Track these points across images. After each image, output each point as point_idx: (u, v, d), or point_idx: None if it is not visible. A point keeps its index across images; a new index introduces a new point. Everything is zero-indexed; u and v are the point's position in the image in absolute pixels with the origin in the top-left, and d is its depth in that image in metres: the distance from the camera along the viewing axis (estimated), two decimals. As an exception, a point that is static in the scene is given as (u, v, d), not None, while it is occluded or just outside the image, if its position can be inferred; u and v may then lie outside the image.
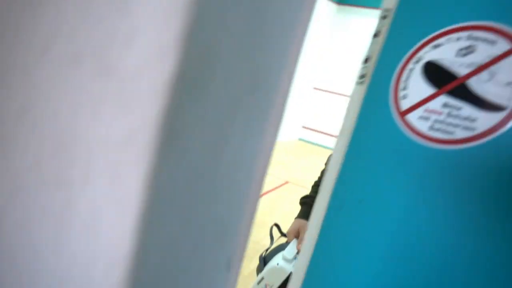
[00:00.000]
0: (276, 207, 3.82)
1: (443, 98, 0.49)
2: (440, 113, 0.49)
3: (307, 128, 9.45)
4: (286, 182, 4.89)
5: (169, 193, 0.33)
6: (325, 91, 9.20)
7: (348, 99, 0.59)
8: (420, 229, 0.49)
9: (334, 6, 8.68)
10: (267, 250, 0.91)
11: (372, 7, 8.29)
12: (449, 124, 0.48)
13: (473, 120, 0.47)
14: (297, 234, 0.91)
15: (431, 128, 0.49)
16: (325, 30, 8.50)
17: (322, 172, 1.01)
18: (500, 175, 0.46)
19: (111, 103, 0.33)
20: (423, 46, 0.51)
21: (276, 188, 4.51)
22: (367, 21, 8.26)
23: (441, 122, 0.49)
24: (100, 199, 0.35)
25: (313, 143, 9.31)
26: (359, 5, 8.63)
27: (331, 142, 8.92)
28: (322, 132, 9.26)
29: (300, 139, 9.44)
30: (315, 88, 9.26)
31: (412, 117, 0.51)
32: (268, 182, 4.46)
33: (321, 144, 9.17)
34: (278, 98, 0.43)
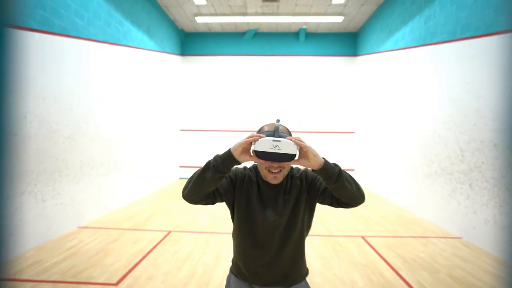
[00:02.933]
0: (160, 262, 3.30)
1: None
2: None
3: (185, 166, 9.70)
4: (169, 232, 4.36)
5: None
6: (190, 130, 9.69)
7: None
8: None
9: (178, 58, 9.44)
10: None
11: (211, 55, 9.66)
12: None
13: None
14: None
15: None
16: (174, 78, 9.14)
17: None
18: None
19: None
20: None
21: (159, 242, 3.93)
22: (208, 66, 9.67)
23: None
24: None
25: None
26: (200, 54, 9.71)
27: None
28: (198, 167, 9.67)
29: (180, 178, 9.63)
30: (181, 130, 9.69)
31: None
32: (151, 239, 4.06)
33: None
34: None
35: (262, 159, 1.12)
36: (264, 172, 1.24)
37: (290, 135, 1.22)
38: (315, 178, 1.29)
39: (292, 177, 1.30)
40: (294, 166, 1.29)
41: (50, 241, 3.88)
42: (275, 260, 1.27)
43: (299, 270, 1.32)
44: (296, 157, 1.09)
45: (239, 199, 1.29)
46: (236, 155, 1.10)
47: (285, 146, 1.07)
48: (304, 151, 1.08)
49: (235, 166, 1.23)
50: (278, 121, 1.20)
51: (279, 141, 1.07)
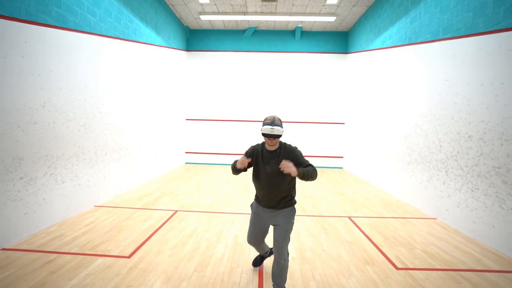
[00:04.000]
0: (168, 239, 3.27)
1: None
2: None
3: (190, 152, 9.75)
4: (176, 212, 4.34)
5: None
6: (195, 119, 9.70)
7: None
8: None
9: (184, 53, 9.31)
10: None
11: (214, 51, 9.58)
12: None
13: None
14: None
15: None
16: (180, 72, 9.01)
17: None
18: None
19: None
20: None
21: (167, 220, 3.93)
22: (211, 61, 9.61)
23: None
24: None
25: (197, 163, 9.65)
26: (203, 50, 9.60)
27: (211, 159, 9.58)
28: (202, 153, 9.68)
29: (186, 163, 9.67)
30: (186, 119, 9.70)
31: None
32: (160, 217, 4.07)
33: (203, 163, 9.69)
34: None
35: (266, 137, 2.07)
36: (266, 141, 2.12)
37: (281, 123, 2.13)
38: (296, 156, 2.09)
39: (284, 148, 2.12)
40: (287, 143, 2.17)
41: (70, 218, 3.95)
42: (272, 194, 2.15)
43: (287, 201, 2.19)
44: (282, 135, 2.13)
45: (253, 162, 2.18)
46: (239, 167, 2.08)
47: (276, 131, 2.05)
48: (289, 172, 1.92)
49: (251, 145, 2.44)
50: (273, 118, 2.10)
51: (273, 128, 2.05)
